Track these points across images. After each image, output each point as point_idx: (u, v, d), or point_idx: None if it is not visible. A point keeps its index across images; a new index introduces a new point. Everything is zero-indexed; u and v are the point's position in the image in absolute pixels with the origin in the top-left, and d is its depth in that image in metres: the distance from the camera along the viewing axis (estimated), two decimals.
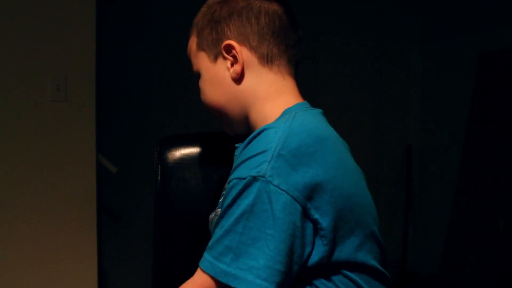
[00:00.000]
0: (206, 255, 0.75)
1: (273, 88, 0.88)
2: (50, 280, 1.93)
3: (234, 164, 0.80)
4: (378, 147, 3.00)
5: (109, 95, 2.32)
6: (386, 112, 3.00)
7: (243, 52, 0.87)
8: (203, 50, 0.91)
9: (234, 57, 0.87)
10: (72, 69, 1.90)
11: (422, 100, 3.00)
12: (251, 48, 0.87)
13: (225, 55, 0.88)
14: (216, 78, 0.90)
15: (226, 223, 0.73)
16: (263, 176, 0.70)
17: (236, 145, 0.94)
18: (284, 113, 0.84)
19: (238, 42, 0.87)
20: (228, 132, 0.98)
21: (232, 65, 0.88)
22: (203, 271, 0.75)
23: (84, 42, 1.90)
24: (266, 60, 0.87)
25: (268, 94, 0.87)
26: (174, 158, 1.13)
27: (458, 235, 2.47)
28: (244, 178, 0.72)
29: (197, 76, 0.94)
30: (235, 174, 0.75)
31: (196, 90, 0.95)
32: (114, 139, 2.36)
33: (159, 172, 1.13)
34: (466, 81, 2.59)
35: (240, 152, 0.80)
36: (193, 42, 0.94)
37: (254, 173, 0.71)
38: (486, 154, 2.40)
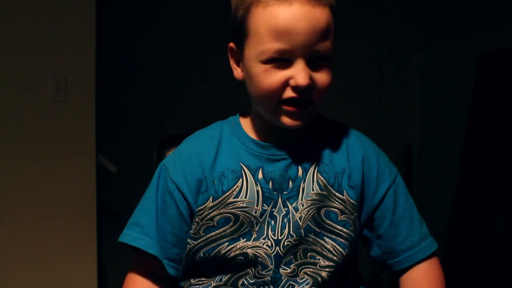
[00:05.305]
0: None
1: None
2: (50, 280, 1.93)
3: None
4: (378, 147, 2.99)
5: (109, 95, 2.31)
6: (386, 112, 3.00)
7: None
8: (334, 32, 0.77)
9: None
10: (72, 69, 1.90)
11: (422, 100, 2.99)
12: None
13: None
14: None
15: None
16: None
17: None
18: None
19: None
20: (298, 127, 0.83)
21: None
22: None
23: (84, 42, 1.90)
24: None
25: None
26: None
27: (458, 235, 2.46)
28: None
29: (324, 58, 0.76)
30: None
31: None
32: (114, 139, 2.36)
33: None
34: (466, 81, 2.58)
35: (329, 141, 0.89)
36: (328, 16, 0.75)
37: None
38: (486, 154, 2.40)
